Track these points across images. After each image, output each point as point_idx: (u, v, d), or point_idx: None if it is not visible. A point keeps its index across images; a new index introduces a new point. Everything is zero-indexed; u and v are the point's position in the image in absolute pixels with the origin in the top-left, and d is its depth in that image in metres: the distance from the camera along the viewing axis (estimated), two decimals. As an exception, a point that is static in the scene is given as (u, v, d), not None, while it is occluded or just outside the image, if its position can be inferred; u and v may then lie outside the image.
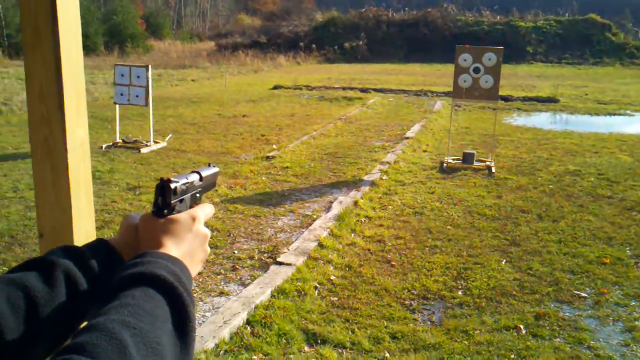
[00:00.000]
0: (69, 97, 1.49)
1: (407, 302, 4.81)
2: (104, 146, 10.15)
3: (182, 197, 1.00)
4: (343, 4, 53.26)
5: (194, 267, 0.94)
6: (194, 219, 0.97)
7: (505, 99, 18.21)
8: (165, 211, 0.97)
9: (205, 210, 1.01)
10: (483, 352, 4.05)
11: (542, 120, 14.98)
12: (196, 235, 0.96)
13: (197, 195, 1.07)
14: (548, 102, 17.93)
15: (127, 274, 0.80)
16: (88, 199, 1.67)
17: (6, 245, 5.73)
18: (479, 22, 41.44)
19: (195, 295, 4.76)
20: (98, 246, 0.96)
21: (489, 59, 9.00)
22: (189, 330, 0.77)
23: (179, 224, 0.94)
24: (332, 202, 7.26)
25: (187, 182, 1.03)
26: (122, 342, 0.65)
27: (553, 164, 9.55)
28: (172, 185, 0.97)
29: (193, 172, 1.08)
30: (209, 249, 1.00)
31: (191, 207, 1.03)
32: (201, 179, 1.08)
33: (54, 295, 0.83)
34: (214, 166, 1.17)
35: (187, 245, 0.93)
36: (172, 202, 0.97)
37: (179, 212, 0.98)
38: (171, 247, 0.90)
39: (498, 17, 42.88)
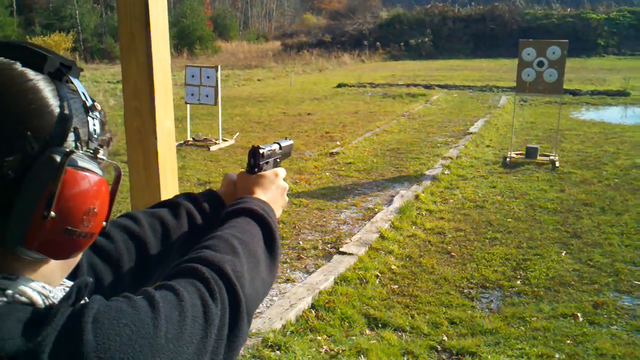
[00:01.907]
0: (159, 93, 1.76)
1: (465, 291, 4.97)
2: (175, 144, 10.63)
3: (267, 160, 1.35)
4: (408, 1, 52.96)
5: (277, 210, 1.26)
6: (276, 175, 1.31)
7: (574, 92, 17.88)
8: (256, 169, 1.31)
9: (283, 172, 1.35)
10: (539, 338, 4.18)
11: (611, 114, 14.65)
12: (278, 186, 1.30)
13: (278, 160, 1.42)
14: (618, 95, 17.46)
15: (232, 209, 1.13)
16: (174, 181, 1.96)
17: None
18: (548, 15, 40.54)
19: (263, 281, 5.06)
20: (209, 194, 1.32)
21: (553, 53, 8.96)
22: (275, 248, 1.08)
23: (265, 178, 1.28)
24: (393, 196, 7.45)
25: (271, 149, 1.38)
26: (233, 245, 0.96)
27: (620, 158, 9.43)
28: (261, 151, 1.33)
29: (275, 142, 1.43)
30: (287, 199, 1.34)
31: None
32: (280, 147, 1.43)
33: (180, 225, 1.19)
34: (290, 139, 1.52)
35: (272, 193, 1.26)
36: (260, 163, 1.32)
37: (265, 170, 1.33)
38: (260, 194, 1.23)
39: (568, 10, 41.82)
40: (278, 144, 1.43)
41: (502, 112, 14.60)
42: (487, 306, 4.72)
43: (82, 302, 0.72)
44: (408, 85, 20.96)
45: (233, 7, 62.33)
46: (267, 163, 1.35)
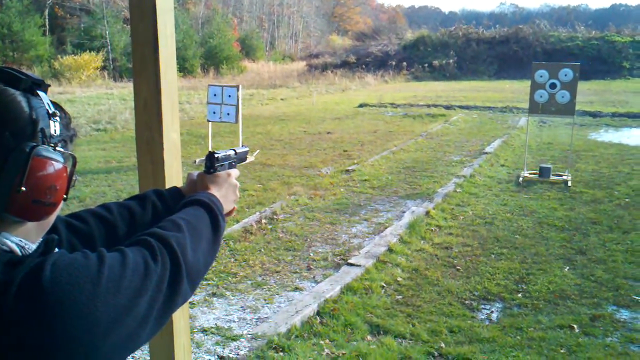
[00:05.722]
0: (166, 109, 1.96)
1: (467, 302, 5.14)
2: (197, 160, 10.96)
3: (222, 163, 1.58)
4: (433, 23, 53.14)
5: (228, 204, 1.52)
6: (229, 175, 1.57)
7: (594, 114, 17.94)
8: (212, 170, 1.54)
9: (236, 172, 1.61)
10: (534, 347, 4.34)
11: (629, 136, 14.69)
12: (229, 184, 1.55)
13: (233, 163, 1.65)
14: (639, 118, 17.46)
15: (186, 200, 1.40)
16: (179, 189, 2.16)
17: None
18: (573, 38, 40.50)
19: (272, 290, 5.31)
20: (173, 190, 1.61)
21: (565, 75, 9.14)
22: (218, 231, 1.33)
23: (219, 177, 1.54)
24: (404, 212, 7.65)
25: (226, 154, 1.61)
26: (179, 225, 1.21)
27: (633, 179, 9.52)
28: (216, 155, 1.56)
29: (231, 149, 1.67)
30: (239, 194, 1.59)
31: None
32: (236, 153, 1.67)
33: (145, 214, 1.49)
34: (246, 147, 1.77)
35: (224, 190, 1.52)
36: (215, 165, 1.55)
37: (219, 171, 1.56)
38: (213, 189, 1.49)
39: (593, 33, 41.77)
40: (234, 150, 1.67)
41: (519, 133, 14.72)
42: (488, 317, 4.89)
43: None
44: (429, 106, 21.18)
45: (260, 28, 63.21)
46: (222, 165, 1.58)
